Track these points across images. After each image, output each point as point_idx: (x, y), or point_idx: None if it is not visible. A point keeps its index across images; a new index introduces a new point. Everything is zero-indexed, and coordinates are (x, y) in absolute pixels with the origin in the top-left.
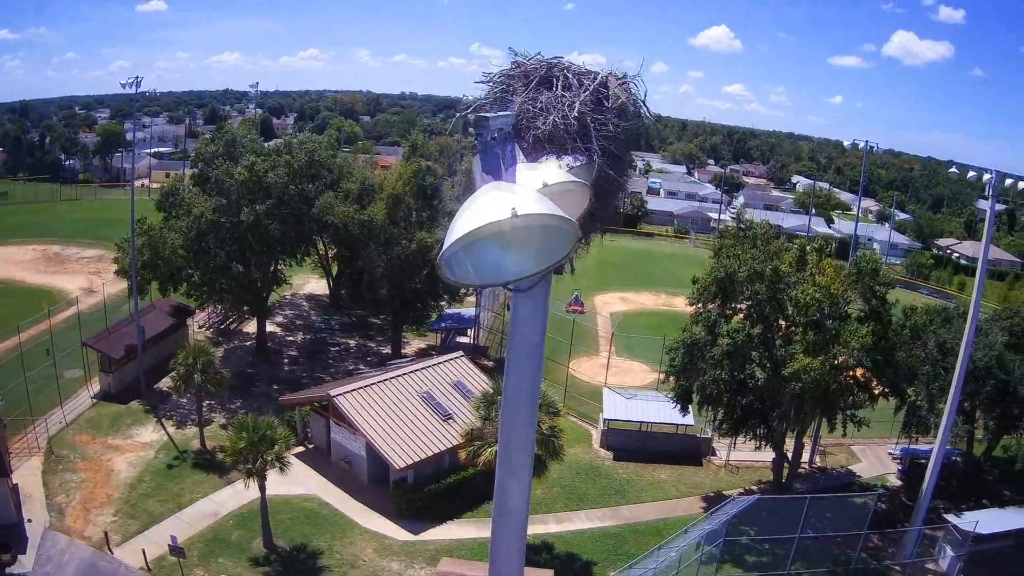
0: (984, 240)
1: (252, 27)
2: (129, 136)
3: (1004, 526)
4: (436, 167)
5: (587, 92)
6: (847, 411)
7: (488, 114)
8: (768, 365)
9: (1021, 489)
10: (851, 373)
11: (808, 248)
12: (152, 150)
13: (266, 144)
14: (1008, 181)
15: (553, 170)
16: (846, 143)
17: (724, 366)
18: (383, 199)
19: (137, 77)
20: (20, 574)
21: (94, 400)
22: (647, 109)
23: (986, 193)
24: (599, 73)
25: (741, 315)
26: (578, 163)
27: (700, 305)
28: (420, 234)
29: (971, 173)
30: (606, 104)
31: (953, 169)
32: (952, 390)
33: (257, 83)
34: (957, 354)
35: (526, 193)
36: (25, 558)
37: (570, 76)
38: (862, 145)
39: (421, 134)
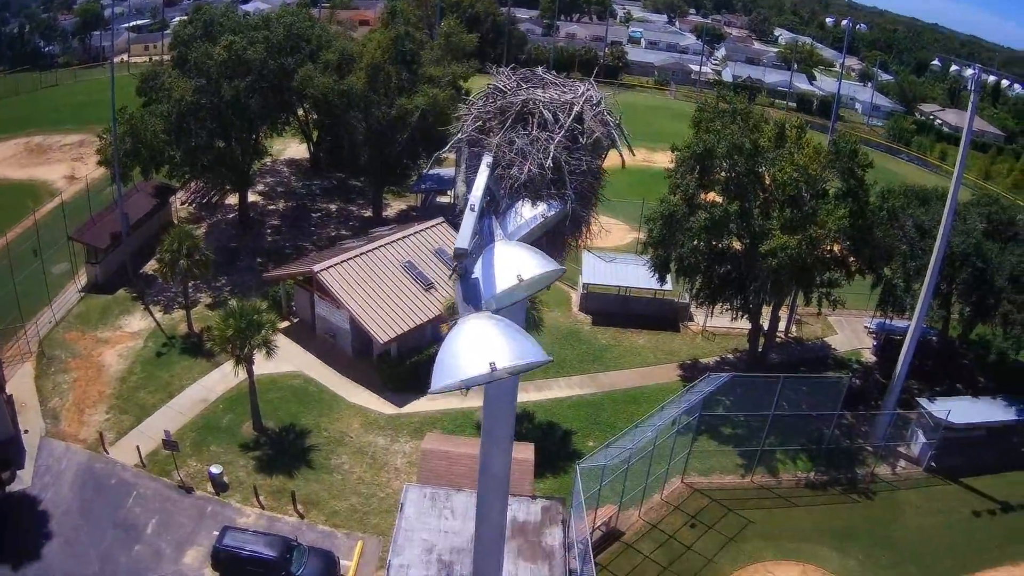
0: (963, 138)
1: None
2: (108, 30)
3: (976, 417)
4: (415, 32)
5: (563, 131)
6: (823, 288)
7: (466, 246)
8: (746, 237)
9: (994, 377)
10: (828, 248)
11: (787, 125)
12: (130, 24)
13: (243, 7)
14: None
15: (528, 261)
16: (828, 20)
17: (702, 238)
18: (362, 68)
19: None
20: (19, 491)
21: (82, 293)
22: (622, 134)
23: (969, 87)
24: (574, 102)
25: (718, 188)
26: (552, 211)
27: (678, 177)
28: (400, 100)
29: (953, 67)
30: (581, 140)
31: (935, 61)
32: (929, 273)
33: None
34: (934, 236)
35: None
36: (23, 472)
37: (546, 112)
38: (845, 23)
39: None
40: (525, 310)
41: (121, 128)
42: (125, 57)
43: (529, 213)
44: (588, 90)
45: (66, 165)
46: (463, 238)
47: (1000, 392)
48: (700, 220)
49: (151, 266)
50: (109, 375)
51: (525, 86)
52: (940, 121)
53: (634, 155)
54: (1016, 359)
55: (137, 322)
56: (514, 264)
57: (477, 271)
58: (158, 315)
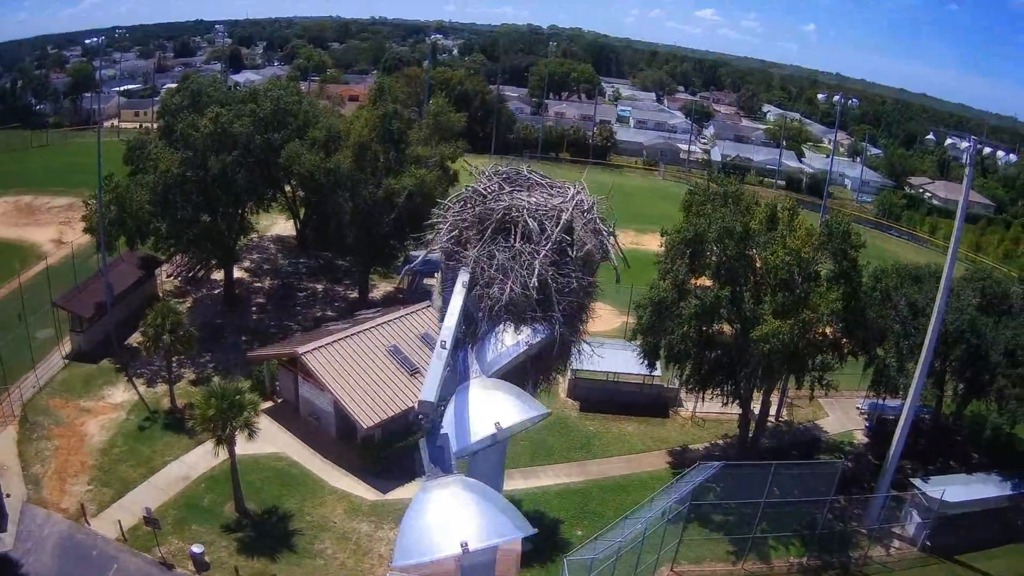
0: (959, 212)
1: None
2: (97, 93)
3: (972, 495)
4: (403, 110)
5: (550, 244)
6: (816, 372)
7: (432, 398)
8: (737, 322)
9: (988, 453)
10: (820, 331)
11: (779, 207)
12: (121, 88)
13: (233, 77)
14: (987, 150)
15: (508, 407)
16: (820, 96)
17: (692, 324)
18: (349, 146)
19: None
20: (2, 552)
21: (66, 360)
22: (616, 245)
23: (962, 157)
24: (563, 208)
25: (709, 272)
26: (538, 338)
27: (668, 262)
28: (387, 180)
29: (948, 140)
30: (571, 253)
31: (930, 136)
32: (923, 354)
33: (222, 31)
34: (928, 314)
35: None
36: (6, 535)
37: (531, 222)
38: (836, 99)
39: (386, 77)
40: (504, 453)
41: (107, 196)
42: (116, 121)
43: (511, 340)
44: (578, 193)
45: (54, 228)
46: (429, 388)
47: (995, 468)
48: (690, 306)
49: (135, 338)
50: (91, 445)
51: (508, 188)
52: (930, 194)
53: (629, 266)
54: (1010, 433)
55: (120, 394)
56: (491, 411)
57: (447, 421)
58: (141, 388)
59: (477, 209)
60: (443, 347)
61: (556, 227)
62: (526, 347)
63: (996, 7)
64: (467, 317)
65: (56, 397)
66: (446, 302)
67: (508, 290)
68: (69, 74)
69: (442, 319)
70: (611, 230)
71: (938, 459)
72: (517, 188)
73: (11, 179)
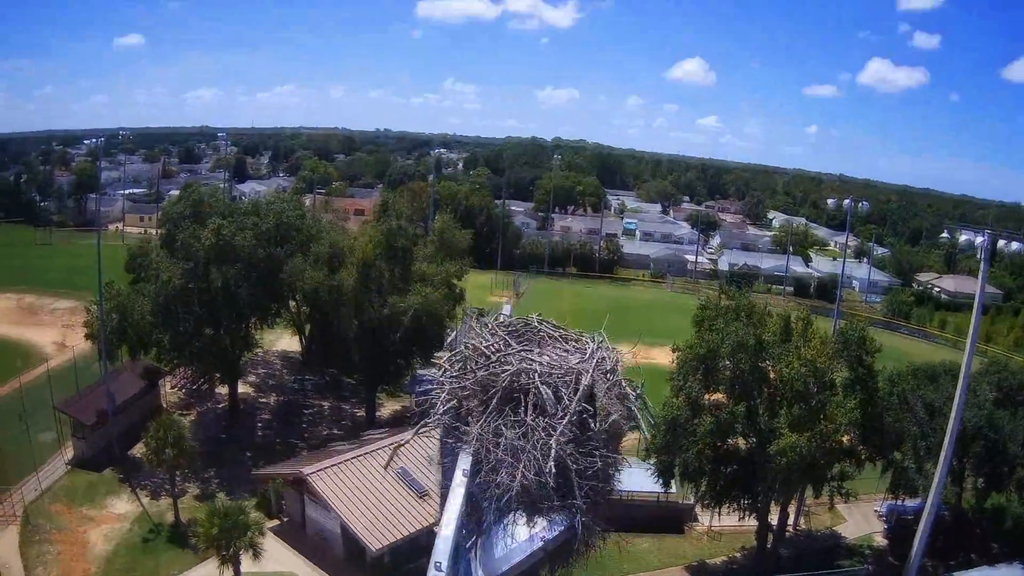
0: (975, 308)
1: (229, 62)
2: (97, 196)
3: None
4: (408, 226)
5: (569, 417)
6: (834, 482)
7: None
8: (752, 436)
9: (1009, 543)
10: (838, 440)
11: (793, 318)
12: (126, 191)
13: (238, 186)
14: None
15: None
16: (829, 202)
17: (707, 442)
18: (354, 263)
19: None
20: None
21: (68, 467)
22: (647, 409)
23: (978, 250)
24: (582, 370)
25: (723, 388)
26: (555, 532)
27: (680, 379)
28: (392, 299)
29: (964, 236)
30: (593, 426)
31: (944, 234)
32: (943, 455)
33: (228, 139)
34: (944, 414)
35: None
36: None
37: (545, 390)
38: (846, 204)
39: (391, 192)
40: None
41: (109, 304)
42: (120, 225)
43: (524, 535)
44: (599, 350)
45: (57, 331)
46: None
47: (1017, 557)
48: (705, 424)
49: (139, 449)
50: (94, 554)
51: (516, 345)
52: (938, 289)
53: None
54: None
55: (124, 504)
56: None
57: None
58: (145, 500)
59: (480, 374)
60: (438, 569)
61: (575, 395)
62: (541, 544)
63: (995, 91)
64: (471, 503)
65: (58, 502)
66: (443, 496)
67: (519, 476)
68: (74, 173)
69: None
70: (639, 390)
71: (959, 554)
72: (526, 344)
73: (14, 276)
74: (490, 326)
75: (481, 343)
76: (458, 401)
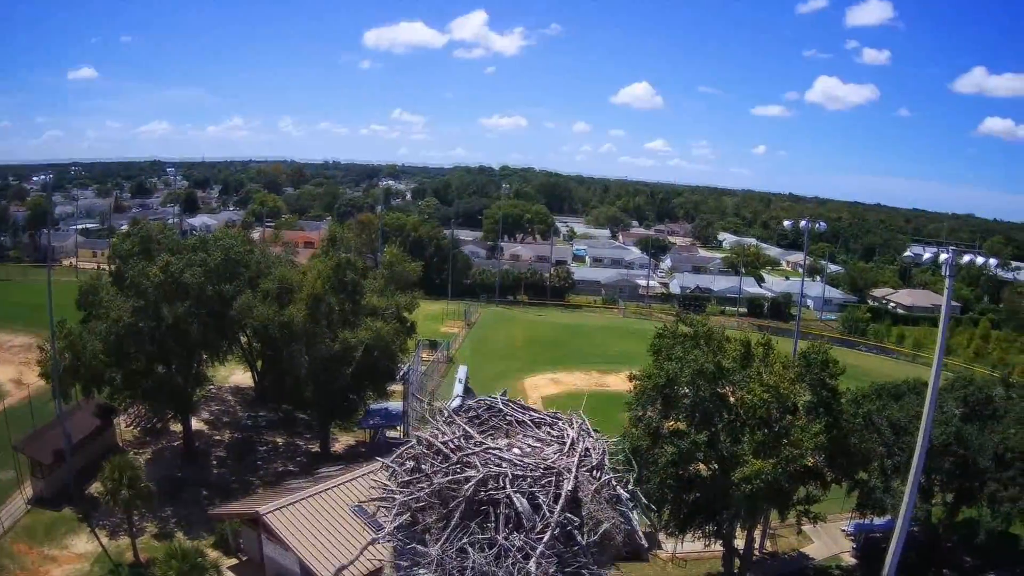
0: (940, 327)
1: (180, 96)
2: (48, 231)
3: None
4: (357, 258)
5: (551, 530)
6: (800, 506)
7: None
8: (715, 463)
9: (982, 556)
10: (803, 464)
11: (754, 342)
12: (80, 226)
13: (188, 221)
14: (965, 258)
15: None
16: (786, 223)
17: (668, 472)
18: (303, 299)
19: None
20: None
21: (28, 506)
22: (641, 507)
23: (941, 267)
24: (564, 468)
25: (683, 415)
26: None
27: (639, 408)
28: (343, 333)
29: (921, 252)
30: (580, 538)
31: (908, 253)
32: (912, 473)
33: (174, 173)
34: (911, 432)
35: None
36: None
37: (517, 499)
38: (803, 224)
39: (339, 225)
40: None
41: (61, 343)
42: (73, 260)
43: None
44: (580, 437)
45: (13, 368)
46: None
47: (991, 570)
48: (666, 454)
49: (96, 487)
50: None
51: (478, 436)
52: (894, 304)
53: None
54: (1005, 533)
55: (83, 544)
56: None
57: None
58: (104, 540)
59: (437, 480)
60: None
61: (556, 503)
62: None
63: (945, 104)
64: None
65: (20, 542)
66: None
67: None
68: (28, 207)
69: None
70: (630, 484)
71: (930, 569)
72: (491, 433)
73: None
74: (446, 413)
75: (437, 436)
76: (412, 515)
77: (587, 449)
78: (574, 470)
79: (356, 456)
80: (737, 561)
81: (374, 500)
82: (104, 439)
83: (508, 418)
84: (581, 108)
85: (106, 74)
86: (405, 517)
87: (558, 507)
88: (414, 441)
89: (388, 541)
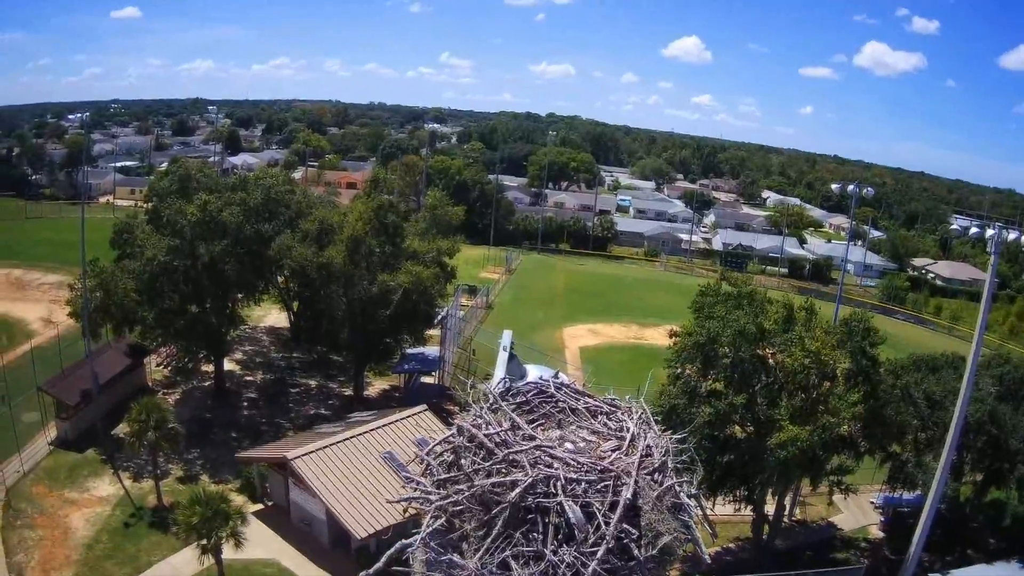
0: (983, 303)
1: (224, 35)
2: (85, 169)
3: None
4: (399, 201)
5: (605, 543)
6: (833, 476)
7: None
8: (751, 426)
9: (1008, 540)
10: (839, 433)
11: (796, 307)
12: (118, 164)
13: (230, 159)
14: (1011, 235)
15: None
16: (833, 187)
17: (704, 433)
18: (343, 240)
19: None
20: None
21: (51, 447)
22: (704, 518)
23: (990, 244)
24: (623, 471)
25: (722, 376)
26: None
27: (678, 366)
28: (382, 276)
29: (968, 225)
30: (637, 554)
31: (955, 226)
32: (946, 449)
33: (219, 113)
34: (945, 407)
35: None
36: None
37: (570, 507)
38: (851, 189)
39: (382, 168)
40: None
41: (92, 281)
42: (111, 198)
43: None
44: (641, 433)
45: (44, 306)
46: None
47: (1016, 554)
48: (704, 415)
49: (122, 428)
50: (76, 539)
51: (527, 426)
52: (933, 274)
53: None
54: None
55: (106, 486)
56: None
57: None
58: (127, 482)
59: (479, 480)
60: None
61: (613, 511)
62: None
63: (992, 79)
64: None
65: (40, 484)
66: None
67: None
68: (66, 145)
69: None
70: (696, 489)
71: (955, 549)
72: (541, 423)
73: (2, 250)
74: (491, 398)
75: (480, 427)
76: (448, 519)
77: (649, 447)
78: (634, 473)
79: (390, 402)
80: (766, 527)
81: (403, 500)
82: (133, 379)
83: (560, 404)
84: (630, 59)
85: (149, 13)
86: (441, 522)
87: (615, 517)
88: (454, 430)
89: (420, 551)
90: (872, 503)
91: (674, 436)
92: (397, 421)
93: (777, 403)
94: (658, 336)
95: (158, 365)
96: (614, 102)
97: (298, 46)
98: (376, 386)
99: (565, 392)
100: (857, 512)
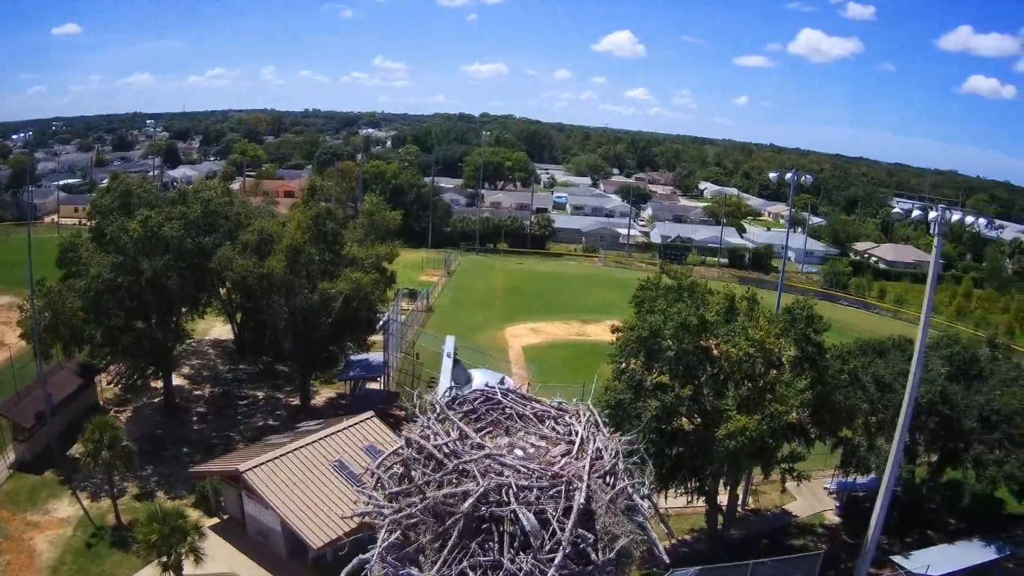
0: (928, 285)
1: (161, 48)
2: (30, 190)
3: (956, 564)
4: (337, 208)
5: (563, 548)
6: (784, 464)
7: None
8: (698, 419)
9: (967, 519)
10: (788, 420)
11: (738, 297)
12: (61, 182)
13: (169, 172)
14: (954, 216)
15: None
16: (771, 175)
17: (651, 427)
18: (282, 249)
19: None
20: None
21: (10, 471)
22: (658, 515)
23: (933, 226)
24: (574, 476)
25: (666, 368)
26: None
27: (622, 362)
28: (322, 284)
29: (909, 208)
30: (595, 558)
31: (897, 210)
32: (898, 431)
33: (154, 125)
34: (895, 390)
35: None
36: None
37: (523, 515)
38: (789, 176)
39: (319, 176)
40: None
41: (41, 301)
42: (55, 217)
43: None
44: (591, 437)
45: None
46: None
47: (975, 533)
48: (650, 408)
49: (78, 448)
50: (41, 562)
51: (475, 434)
52: (876, 258)
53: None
54: (988, 495)
55: (65, 508)
56: None
57: None
58: (86, 502)
59: (430, 492)
60: None
61: (568, 517)
62: None
63: (929, 61)
64: None
65: (3, 509)
66: None
67: None
68: (10, 165)
69: None
70: (647, 488)
71: (914, 530)
72: (489, 431)
73: None
74: (438, 409)
75: (428, 438)
76: (403, 533)
77: (599, 450)
78: (586, 478)
79: (337, 409)
80: (720, 517)
81: (359, 514)
82: (85, 398)
83: (508, 411)
84: (563, 56)
85: (89, 28)
86: (396, 535)
87: (569, 522)
88: (402, 443)
89: (378, 566)
90: (826, 488)
91: (623, 437)
92: (345, 429)
93: (724, 394)
94: (600, 332)
95: (109, 383)
96: (547, 99)
97: (233, 56)
98: (323, 394)
99: (512, 398)
100: (811, 498)
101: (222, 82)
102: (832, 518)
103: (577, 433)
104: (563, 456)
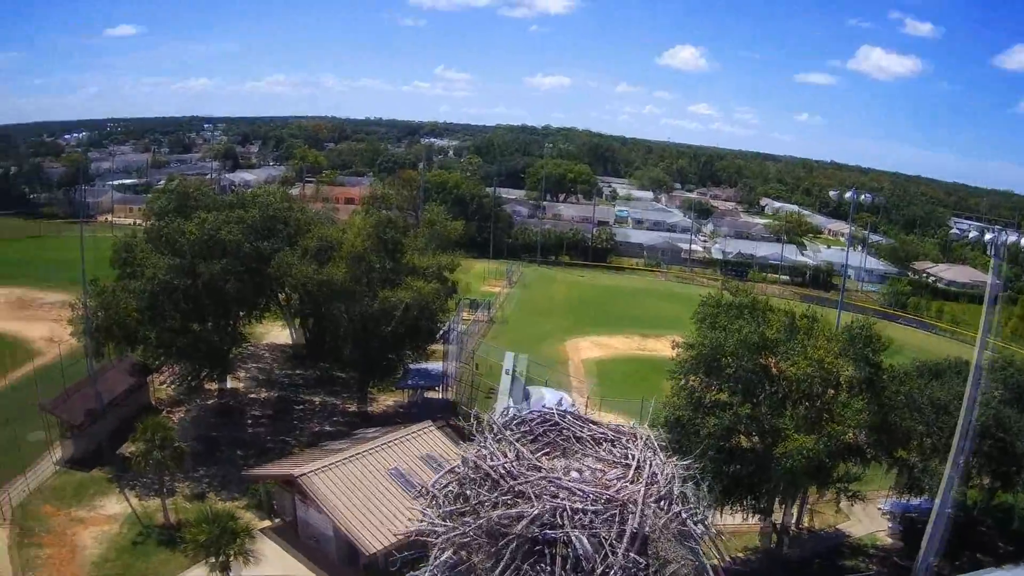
0: (984, 307)
1: (220, 52)
2: (83, 189)
3: None
4: (399, 216)
5: (616, 572)
6: (840, 484)
7: None
8: (755, 436)
9: (1017, 543)
10: (845, 440)
11: (799, 315)
12: (117, 182)
13: (228, 176)
14: (1011, 238)
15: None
16: (831, 193)
17: (711, 444)
18: (343, 257)
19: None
20: None
21: (57, 467)
22: (715, 543)
23: (990, 247)
24: (629, 500)
25: (726, 386)
26: None
27: (682, 378)
28: (383, 292)
29: (967, 228)
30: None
31: (954, 229)
32: (952, 454)
33: (212, 129)
34: (951, 412)
35: None
36: None
37: (578, 539)
38: (849, 195)
39: (381, 182)
40: None
41: (94, 301)
42: (110, 216)
43: None
44: (647, 462)
45: (46, 325)
46: None
47: None
48: (709, 426)
49: (128, 447)
50: (84, 558)
51: (533, 455)
52: (935, 278)
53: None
54: None
55: (113, 505)
56: None
57: None
58: (134, 500)
59: (485, 512)
60: None
61: (621, 541)
62: None
63: (988, 80)
64: None
65: (48, 504)
66: None
67: None
68: (64, 164)
69: None
70: (702, 515)
71: (965, 552)
72: (547, 452)
73: (4, 269)
74: (495, 429)
75: (485, 458)
76: (456, 552)
77: (654, 474)
78: (640, 502)
79: (396, 417)
80: (775, 536)
81: (413, 532)
82: (138, 398)
83: (565, 432)
84: (625, 70)
85: (145, 31)
86: (448, 554)
87: (622, 546)
88: (459, 462)
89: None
90: (880, 509)
91: (680, 461)
92: (403, 437)
93: (782, 412)
94: (662, 346)
95: (163, 384)
96: (610, 112)
97: (294, 62)
98: (381, 402)
99: (569, 419)
100: (866, 519)
101: (282, 88)
102: (885, 539)
103: (633, 457)
104: (619, 479)
